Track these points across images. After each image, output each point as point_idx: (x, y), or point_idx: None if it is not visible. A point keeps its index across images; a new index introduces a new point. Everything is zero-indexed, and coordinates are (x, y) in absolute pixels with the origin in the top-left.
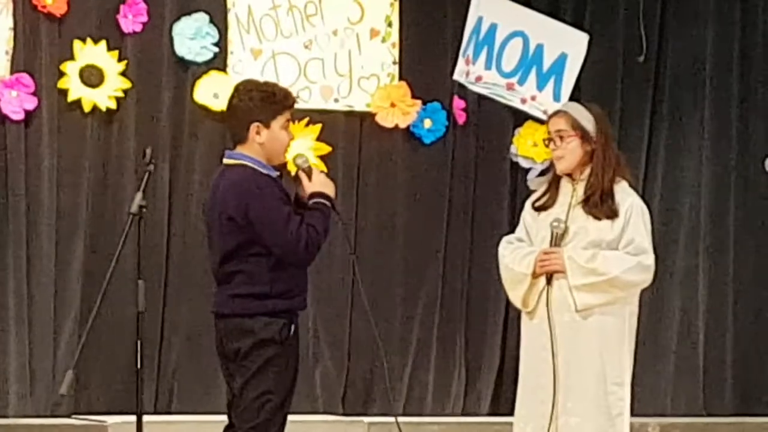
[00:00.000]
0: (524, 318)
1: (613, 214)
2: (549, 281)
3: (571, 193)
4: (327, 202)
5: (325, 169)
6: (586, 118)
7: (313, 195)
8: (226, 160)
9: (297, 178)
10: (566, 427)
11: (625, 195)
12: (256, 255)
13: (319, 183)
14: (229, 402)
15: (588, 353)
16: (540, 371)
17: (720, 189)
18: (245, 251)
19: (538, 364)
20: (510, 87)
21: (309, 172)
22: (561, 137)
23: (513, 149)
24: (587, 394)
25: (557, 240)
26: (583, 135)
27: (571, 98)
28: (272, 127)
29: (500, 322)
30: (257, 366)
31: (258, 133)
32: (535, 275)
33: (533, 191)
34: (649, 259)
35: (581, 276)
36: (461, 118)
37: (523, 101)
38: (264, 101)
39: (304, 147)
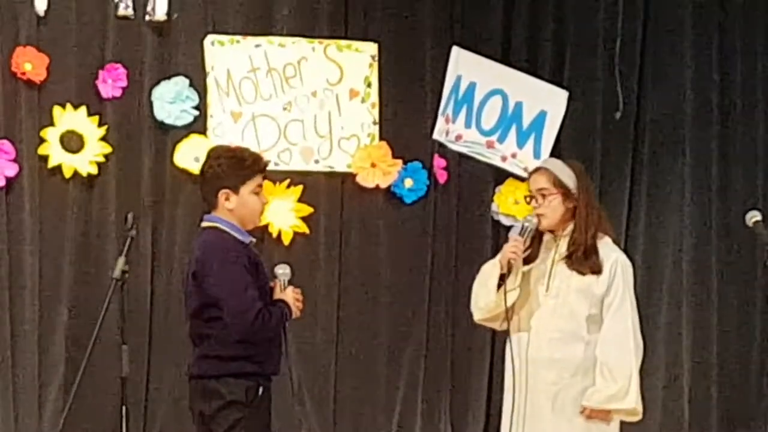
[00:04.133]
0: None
1: (597, 270)
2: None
3: (554, 248)
4: (287, 312)
5: (300, 297)
6: (567, 175)
7: (278, 300)
8: (203, 223)
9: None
10: None
11: (609, 251)
12: (221, 317)
13: (288, 297)
14: None
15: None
16: (509, 409)
17: (702, 243)
18: (210, 312)
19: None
20: (490, 145)
21: (283, 286)
22: (543, 195)
23: (494, 207)
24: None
25: (525, 233)
26: (565, 192)
27: (551, 155)
28: (241, 192)
29: (485, 378)
30: (225, 428)
31: (227, 199)
32: (501, 268)
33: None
34: (636, 339)
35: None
36: (442, 177)
37: (504, 159)
38: (232, 167)
39: (286, 209)
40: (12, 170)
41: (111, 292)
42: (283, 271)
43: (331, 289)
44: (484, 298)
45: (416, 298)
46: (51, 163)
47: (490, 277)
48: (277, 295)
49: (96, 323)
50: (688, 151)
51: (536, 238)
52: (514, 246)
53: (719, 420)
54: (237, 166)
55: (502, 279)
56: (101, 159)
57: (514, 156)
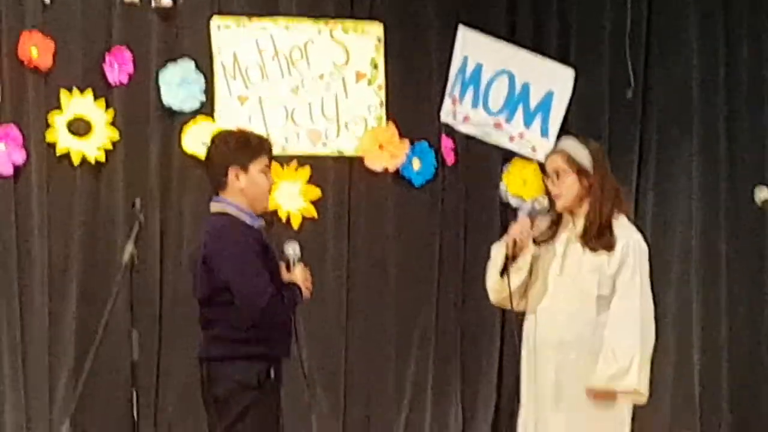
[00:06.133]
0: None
1: (609, 247)
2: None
3: (570, 227)
4: (298, 294)
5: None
6: (582, 154)
7: (289, 283)
8: (211, 206)
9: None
10: None
11: (624, 231)
12: (231, 302)
13: (297, 277)
14: None
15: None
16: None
17: (710, 221)
18: (221, 296)
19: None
20: (497, 125)
21: (292, 264)
22: (558, 175)
23: (502, 187)
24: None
25: (533, 214)
26: (580, 171)
27: (559, 135)
28: (250, 171)
29: (495, 360)
30: (236, 412)
31: (237, 177)
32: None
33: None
34: (644, 321)
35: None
36: (450, 157)
37: (511, 139)
38: (240, 146)
39: (294, 192)
40: (20, 157)
41: (120, 277)
42: (292, 249)
43: (339, 273)
44: (491, 280)
45: (425, 280)
46: (59, 150)
47: (496, 258)
48: (286, 275)
49: (105, 309)
50: (695, 129)
51: (556, 220)
52: (520, 226)
53: (730, 399)
54: (244, 145)
55: (508, 260)
56: (109, 145)
57: (521, 136)
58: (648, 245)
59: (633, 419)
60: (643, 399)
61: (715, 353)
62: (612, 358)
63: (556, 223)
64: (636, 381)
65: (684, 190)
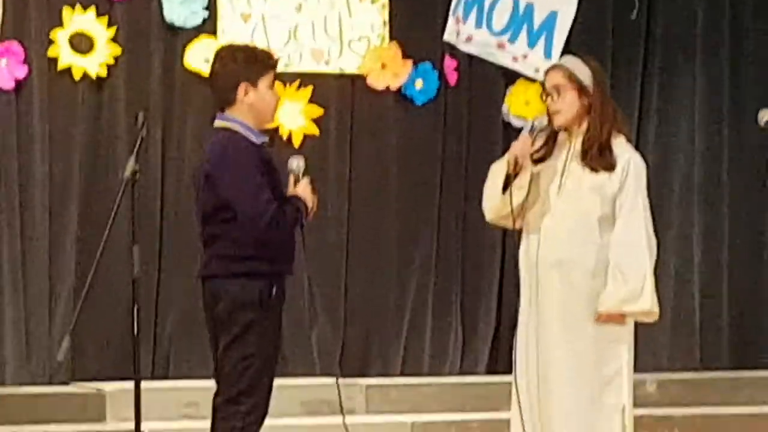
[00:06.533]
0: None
1: (610, 167)
2: (507, 184)
3: (568, 147)
4: (302, 208)
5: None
6: (583, 72)
7: (293, 197)
8: (216, 123)
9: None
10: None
11: (623, 150)
12: (234, 218)
13: (302, 191)
14: (215, 367)
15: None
16: (524, 311)
17: (713, 143)
18: (224, 213)
19: (523, 305)
20: (501, 46)
21: (298, 178)
22: (558, 91)
23: (505, 108)
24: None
25: (534, 132)
26: (580, 88)
27: (562, 55)
28: (259, 86)
29: (495, 281)
30: (238, 330)
31: (246, 93)
32: (508, 167)
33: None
34: (649, 240)
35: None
36: (453, 78)
37: (515, 60)
38: (248, 61)
39: (296, 110)
40: (21, 72)
41: (122, 192)
42: (297, 163)
43: (341, 191)
44: (492, 198)
45: (426, 200)
46: (60, 65)
47: (497, 176)
48: (292, 190)
49: (106, 225)
50: (699, 50)
51: (551, 138)
52: (521, 144)
53: (730, 318)
54: (253, 60)
55: (510, 178)
56: (111, 61)
57: (525, 57)
58: (649, 167)
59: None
60: (654, 317)
61: (716, 270)
62: (622, 280)
63: (552, 140)
64: (650, 302)
65: (687, 113)
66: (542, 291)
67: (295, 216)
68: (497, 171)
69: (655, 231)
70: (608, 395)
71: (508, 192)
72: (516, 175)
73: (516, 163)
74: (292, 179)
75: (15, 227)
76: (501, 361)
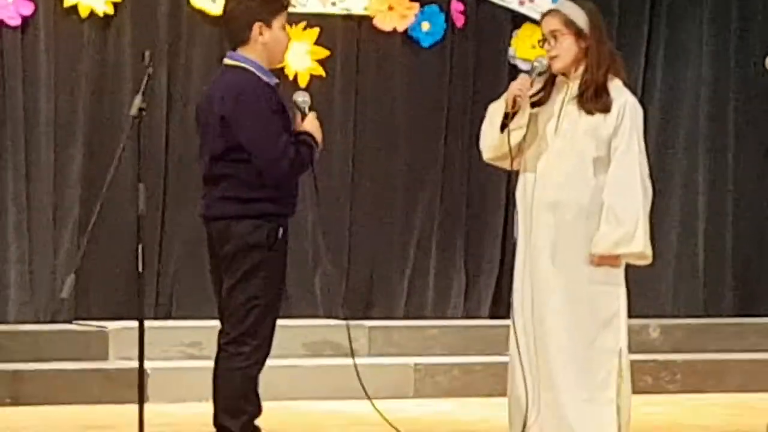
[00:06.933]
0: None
1: (605, 109)
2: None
3: (565, 89)
4: (314, 144)
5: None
6: (578, 15)
7: (303, 133)
8: (226, 61)
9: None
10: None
11: (619, 92)
12: (246, 159)
13: (310, 126)
14: (219, 307)
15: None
16: (520, 252)
17: (720, 88)
18: (236, 154)
19: (520, 246)
20: None
21: (304, 113)
22: (555, 36)
23: (511, 51)
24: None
25: (533, 73)
26: (577, 32)
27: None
28: (273, 26)
29: (500, 225)
30: (244, 270)
31: (261, 33)
32: (507, 106)
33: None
34: (644, 182)
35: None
36: (459, 20)
37: (521, 3)
38: (263, 1)
39: (302, 51)
40: (27, 9)
41: (128, 129)
42: (303, 98)
43: (346, 132)
44: (490, 136)
45: (432, 142)
46: (67, 2)
47: (495, 115)
48: (299, 125)
49: (111, 163)
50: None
51: (549, 81)
52: (520, 83)
53: (734, 265)
54: (267, 1)
55: (508, 118)
56: None
57: (531, 0)
58: (648, 113)
59: (632, 285)
60: (648, 260)
61: (720, 219)
62: (615, 222)
63: (551, 84)
64: (642, 244)
65: (695, 55)
66: (537, 232)
67: (308, 154)
68: (495, 110)
69: (659, 178)
70: (605, 338)
71: (506, 131)
72: (514, 114)
73: (514, 102)
74: (298, 114)
75: (20, 165)
76: (504, 304)
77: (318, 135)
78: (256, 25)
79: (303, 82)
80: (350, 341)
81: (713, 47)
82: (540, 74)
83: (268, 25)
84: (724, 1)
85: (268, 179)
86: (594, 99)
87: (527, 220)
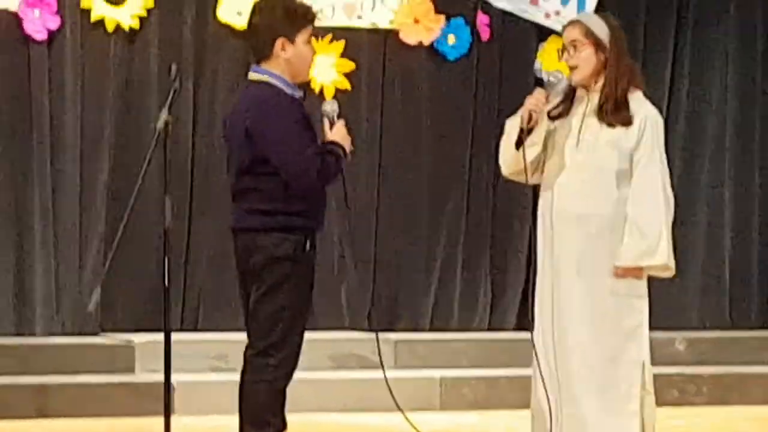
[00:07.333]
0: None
1: (627, 122)
2: (521, 139)
3: (585, 102)
4: (341, 153)
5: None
6: (599, 27)
7: (331, 143)
8: (251, 75)
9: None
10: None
11: (640, 104)
12: (272, 172)
13: (339, 135)
14: (246, 320)
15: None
16: (541, 265)
17: (745, 102)
18: (261, 167)
19: (540, 260)
20: (533, 2)
21: (332, 122)
22: (575, 46)
23: (537, 65)
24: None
25: (548, 87)
26: (597, 44)
27: (595, 12)
28: (297, 42)
29: (525, 237)
30: (271, 283)
31: (283, 48)
32: (522, 122)
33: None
34: (666, 194)
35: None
36: (485, 33)
37: (547, 16)
38: (287, 16)
39: (328, 64)
40: (54, 23)
41: (154, 143)
42: (331, 107)
43: (372, 145)
44: (506, 153)
45: (458, 155)
46: (93, 17)
47: (511, 132)
48: (327, 134)
49: (137, 176)
50: (732, 11)
51: (569, 95)
52: (535, 99)
53: (760, 277)
54: (291, 15)
55: (524, 133)
56: (143, 13)
57: (557, 13)
58: (681, 124)
59: (659, 298)
60: (671, 272)
61: (746, 231)
62: (639, 234)
63: (570, 97)
64: (666, 256)
65: (721, 69)
66: (560, 245)
67: (337, 165)
68: (512, 126)
69: (685, 189)
70: (628, 350)
71: (521, 148)
72: (530, 130)
73: (530, 117)
74: (327, 123)
75: (46, 178)
76: (529, 317)
77: (346, 143)
78: (279, 41)
79: (329, 95)
80: (380, 354)
81: (739, 60)
82: (555, 88)
83: (291, 41)
84: (750, 12)
85: (296, 191)
86: (614, 112)
87: (548, 234)
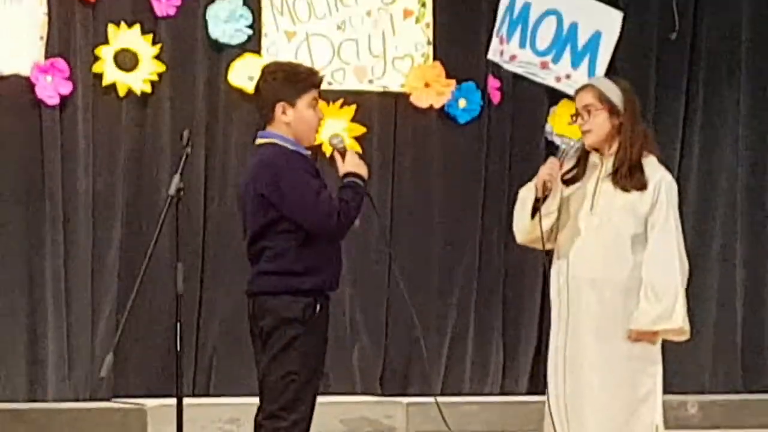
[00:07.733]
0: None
1: (642, 186)
2: (536, 209)
3: (599, 167)
4: (359, 182)
5: (360, 150)
6: (613, 92)
7: (347, 175)
8: (258, 140)
9: (333, 158)
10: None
11: (654, 169)
12: (284, 232)
13: (352, 164)
14: (259, 384)
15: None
16: (555, 331)
17: (757, 167)
18: (274, 228)
19: (554, 325)
20: (544, 65)
21: (343, 153)
22: (588, 111)
23: (548, 128)
24: (605, 365)
25: (561, 156)
26: (611, 108)
27: (606, 76)
28: (298, 106)
29: (537, 300)
30: (281, 346)
31: (284, 112)
32: (536, 191)
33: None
34: (681, 258)
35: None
36: (496, 97)
37: (558, 79)
38: (288, 80)
39: (338, 128)
40: (66, 88)
41: (166, 208)
42: (337, 139)
43: (383, 209)
44: (522, 222)
45: (469, 218)
46: (105, 82)
47: (525, 201)
48: (340, 167)
49: (149, 241)
50: (743, 75)
51: (582, 159)
52: (549, 168)
53: None
54: (292, 79)
55: (539, 202)
56: (155, 78)
57: (568, 77)
58: (692, 189)
59: (673, 363)
60: (686, 336)
61: (758, 297)
62: (654, 298)
63: (584, 161)
64: (681, 320)
65: (732, 133)
66: (575, 310)
67: (356, 200)
68: (526, 195)
69: (697, 252)
70: (643, 414)
71: (537, 217)
72: (545, 198)
73: (545, 187)
74: (338, 156)
75: (58, 243)
76: (542, 380)
77: (362, 171)
78: (279, 105)
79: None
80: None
81: (749, 125)
82: (568, 153)
83: (292, 104)
84: (760, 78)
85: (323, 237)
86: (629, 176)
87: (563, 298)
